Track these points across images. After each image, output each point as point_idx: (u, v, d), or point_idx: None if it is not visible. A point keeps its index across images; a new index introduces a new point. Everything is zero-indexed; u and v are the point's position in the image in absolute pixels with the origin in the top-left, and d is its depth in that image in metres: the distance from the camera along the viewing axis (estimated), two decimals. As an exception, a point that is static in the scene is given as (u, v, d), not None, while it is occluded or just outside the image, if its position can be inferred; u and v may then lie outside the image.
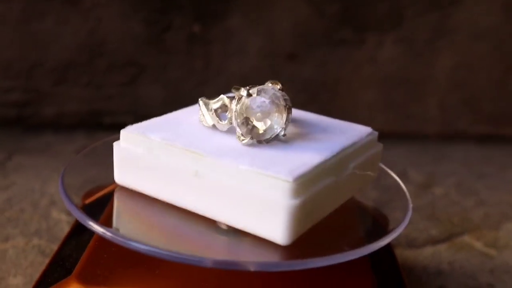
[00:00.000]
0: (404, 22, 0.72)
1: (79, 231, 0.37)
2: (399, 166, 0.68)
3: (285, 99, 0.31)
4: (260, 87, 0.31)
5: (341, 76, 0.73)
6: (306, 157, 0.30)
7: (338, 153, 0.31)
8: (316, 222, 0.30)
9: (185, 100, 0.39)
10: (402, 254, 0.48)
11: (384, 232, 0.36)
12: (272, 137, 0.31)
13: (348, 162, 0.32)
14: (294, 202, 0.27)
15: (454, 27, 0.73)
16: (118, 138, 0.33)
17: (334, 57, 0.72)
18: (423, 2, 0.71)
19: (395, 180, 0.40)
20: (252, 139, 0.31)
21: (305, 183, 0.28)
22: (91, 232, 0.35)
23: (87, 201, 0.36)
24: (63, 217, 0.49)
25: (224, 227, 0.32)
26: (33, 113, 0.69)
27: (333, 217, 0.35)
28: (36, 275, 0.40)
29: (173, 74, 0.70)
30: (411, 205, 0.34)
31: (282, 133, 0.31)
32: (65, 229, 0.47)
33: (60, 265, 0.33)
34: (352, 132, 0.34)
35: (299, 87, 0.72)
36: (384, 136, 0.75)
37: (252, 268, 0.27)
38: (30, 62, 0.67)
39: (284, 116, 0.31)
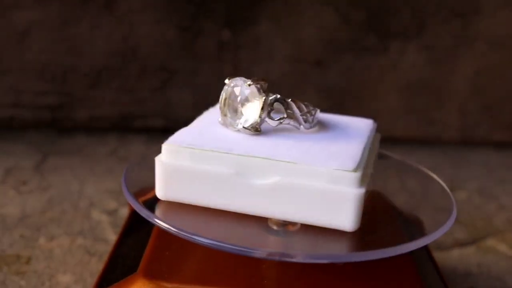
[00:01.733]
0: (427, 30, 0.73)
1: (130, 231, 0.39)
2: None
3: (258, 87, 0.33)
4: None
5: (365, 83, 0.75)
6: (349, 148, 0.32)
7: (367, 142, 0.34)
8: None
9: (214, 104, 0.40)
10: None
11: (422, 233, 0.38)
12: (257, 122, 0.33)
13: (370, 150, 0.35)
14: (360, 190, 0.30)
15: (475, 35, 0.74)
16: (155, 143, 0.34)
17: (359, 64, 0.74)
18: (445, 10, 0.73)
19: (430, 182, 0.42)
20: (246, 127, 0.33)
21: (363, 172, 0.31)
22: (146, 230, 0.37)
23: (141, 199, 0.38)
24: (104, 217, 0.51)
25: (275, 227, 0.33)
26: (66, 116, 0.71)
27: (371, 218, 0.37)
28: (86, 273, 0.42)
29: (203, 79, 0.71)
30: (455, 205, 0.36)
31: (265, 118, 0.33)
32: (107, 229, 0.49)
33: (120, 263, 0.34)
34: (360, 124, 0.37)
35: (325, 92, 0.74)
36: (405, 141, 0.76)
37: (303, 260, 0.29)
38: (64, 66, 0.69)
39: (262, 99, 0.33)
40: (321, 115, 0.38)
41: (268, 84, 0.34)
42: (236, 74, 0.71)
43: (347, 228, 0.30)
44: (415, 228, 0.40)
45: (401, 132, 0.77)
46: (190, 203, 0.32)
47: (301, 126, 0.34)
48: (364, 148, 0.33)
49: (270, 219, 0.34)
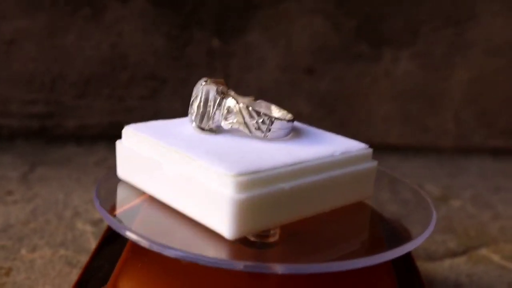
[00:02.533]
0: (420, 37, 0.73)
1: (108, 242, 0.38)
2: (415, 179, 0.68)
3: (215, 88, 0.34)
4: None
5: (358, 90, 0.74)
6: (268, 157, 0.31)
7: (305, 160, 0.32)
8: (279, 224, 0.32)
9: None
10: (422, 266, 0.48)
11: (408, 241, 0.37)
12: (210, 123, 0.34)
13: (319, 172, 0.33)
14: (238, 196, 0.28)
15: (469, 42, 0.74)
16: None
17: (351, 72, 0.73)
18: (439, 17, 0.72)
19: (414, 193, 0.41)
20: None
21: (255, 181, 0.29)
22: (121, 243, 0.36)
23: (116, 212, 0.37)
24: (88, 228, 0.50)
25: (252, 238, 0.33)
26: (55, 125, 0.70)
27: (352, 225, 0.37)
28: (65, 285, 0.41)
29: (193, 87, 0.70)
30: (434, 212, 0.35)
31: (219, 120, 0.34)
32: (91, 239, 0.48)
33: (92, 275, 0.34)
34: (339, 145, 0.35)
35: (316, 101, 0.73)
36: (400, 149, 0.76)
37: (281, 271, 0.28)
38: (53, 75, 0.68)
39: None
40: (317, 131, 0.37)
41: (225, 86, 0.34)
42: (227, 82, 0.71)
43: (225, 235, 0.29)
44: (400, 238, 0.39)
45: (395, 139, 0.76)
46: (135, 186, 0.35)
47: (252, 133, 0.34)
48: (288, 163, 0.31)
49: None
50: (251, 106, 0.33)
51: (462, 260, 0.50)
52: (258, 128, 0.34)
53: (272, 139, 0.34)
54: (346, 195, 0.35)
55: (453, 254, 0.51)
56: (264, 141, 0.34)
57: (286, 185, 0.31)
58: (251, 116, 0.34)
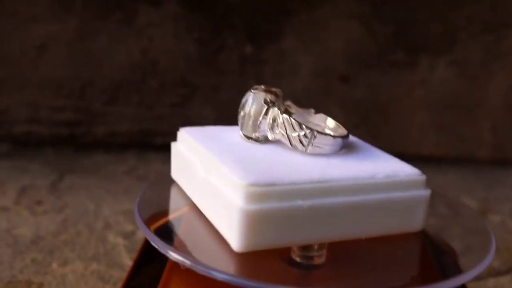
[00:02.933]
0: (458, 44, 0.71)
1: (146, 259, 0.37)
2: (452, 191, 0.66)
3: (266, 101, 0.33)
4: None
5: (393, 98, 0.72)
6: (294, 171, 0.29)
7: (336, 179, 0.30)
8: (299, 244, 0.30)
9: (236, 121, 0.38)
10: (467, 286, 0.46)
11: (455, 265, 0.35)
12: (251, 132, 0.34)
13: (351, 193, 0.30)
14: (248, 207, 0.27)
15: (508, 50, 0.72)
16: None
17: (386, 79, 0.71)
18: (476, 24, 0.70)
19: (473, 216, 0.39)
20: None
21: (268, 193, 0.28)
22: (161, 260, 0.35)
23: (153, 226, 0.36)
24: (120, 240, 0.49)
25: (298, 259, 0.31)
26: (84, 133, 0.69)
27: (405, 252, 0.35)
28: (98, 303, 0.40)
29: (225, 94, 0.69)
30: (494, 241, 0.33)
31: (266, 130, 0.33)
32: (123, 253, 0.47)
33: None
34: (384, 167, 0.32)
35: (350, 108, 0.72)
36: (435, 159, 0.74)
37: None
38: (82, 81, 0.67)
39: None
40: (373, 150, 0.35)
41: (275, 95, 0.33)
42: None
43: (233, 246, 0.28)
44: (448, 260, 0.37)
45: (431, 150, 0.74)
46: (181, 187, 0.36)
47: (292, 146, 0.32)
48: (314, 179, 0.29)
49: (294, 251, 0.32)
50: (296, 118, 0.32)
51: (506, 280, 0.48)
52: (300, 142, 0.32)
53: (316, 154, 0.32)
54: (387, 223, 0.32)
55: (497, 273, 0.49)
56: (306, 155, 0.32)
57: (305, 203, 0.29)
58: (293, 129, 0.32)
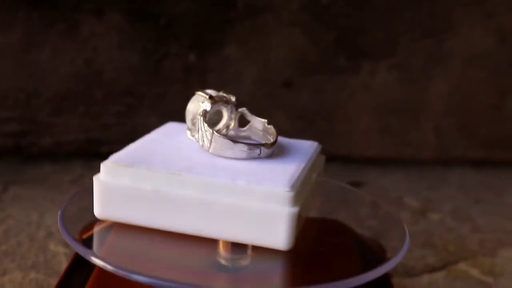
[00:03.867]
0: (398, 49, 0.73)
1: (77, 266, 0.37)
2: (395, 192, 0.68)
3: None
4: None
5: (337, 103, 0.74)
6: (287, 170, 0.33)
7: (306, 166, 0.35)
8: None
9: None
10: (400, 283, 0.48)
11: (382, 261, 0.37)
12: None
13: (312, 173, 0.36)
14: (294, 209, 0.30)
15: (448, 54, 0.74)
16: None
17: (330, 85, 0.73)
18: (417, 29, 0.72)
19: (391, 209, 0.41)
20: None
21: (298, 192, 0.31)
22: (90, 268, 0.35)
23: (85, 235, 0.37)
24: (61, 249, 0.49)
25: (223, 262, 0.32)
26: (30, 143, 0.69)
27: (331, 246, 0.37)
28: (34, 310, 0.40)
29: (170, 103, 0.70)
30: (408, 235, 0.35)
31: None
32: (63, 261, 0.47)
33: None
34: (303, 146, 0.38)
35: (295, 114, 0.73)
36: (380, 162, 0.75)
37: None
38: (27, 92, 0.67)
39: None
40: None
41: (227, 103, 0.37)
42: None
43: (282, 247, 0.31)
44: (376, 256, 0.38)
45: (376, 152, 0.76)
46: (127, 222, 0.33)
47: (201, 145, 0.35)
48: (304, 169, 0.34)
49: (219, 253, 0.33)
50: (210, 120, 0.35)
51: (440, 276, 0.49)
52: (203, 140, 0.35)
53: (222, 156, 0.35)
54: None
55: (432, 269, 0.50)
56: (216, 157, 0.35)
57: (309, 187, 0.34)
58: (201, 128, 0.35)
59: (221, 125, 0.37)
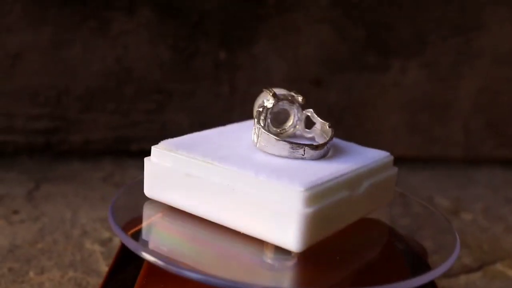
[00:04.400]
0: (428, 47, 0.72)
1: (122, 265, 0.37)
2: (425, 191, 0.67)
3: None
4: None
5: (366, 101, 0.73)
6: (321, 171, 0.32)
7: (351, 171, 0.34)
8: (332, 233, 0.33)
9: (211, 126, 0.39)
10: (439, 284, 0.47)
11: (425, 262, 0.36)
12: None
13: (361, 181, 0.34)
14: (307, 210, 0.29)
15: (477, 52, 0.73)
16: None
17: (359, 82, 0.72)
18: (446, 27, 0.72)
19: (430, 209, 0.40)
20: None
21: (318, 194, 0.30)
22: (136, 266, 0.35)
23: (131, 231, 0.36)
24: (97, 247, 0.49)
25: (269, 260, 0.32)
26: (60, 141, 0.69)
27: (372, 249, 0.36)
28: (75, 310, 0.40)
29: (199, 100, 0.70)
30: (458, 241, 0.34)
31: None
32: (100, 260, 0.47)
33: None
34: (368, 155, 0.37)
35: (324, 112, 0.72)
36: (408, 160, 0.75)
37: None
38: (58, 89, 0.67)
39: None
40: (342, 143, 0.39)
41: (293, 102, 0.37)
42: (234, 94, 0.70)
43: (292, 248, 0.30)
44: (418, 258, 0.38)
45: (404, 150, 0.76)
46: (167, 203, 0.35)
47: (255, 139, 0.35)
48: (339, 175, 0.33)
49: (266, 252, 0.32)
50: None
51: (477, 276, 0.49)
52: (254, 135, 0.35)
53: (265, 152, 0.35)
54: (378, 199, 0.37)
55: (468, 270, 0.50)
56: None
57: (343, 194, 0.32)
58: (256, 123, 0.35)
59: (288, 124, 0.37)
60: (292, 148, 0.34)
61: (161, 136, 0.38)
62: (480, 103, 0.75)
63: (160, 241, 0.34)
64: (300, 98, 0.37)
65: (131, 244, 0.30)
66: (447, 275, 0.49)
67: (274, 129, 0.36)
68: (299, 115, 0.37)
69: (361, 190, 0.34)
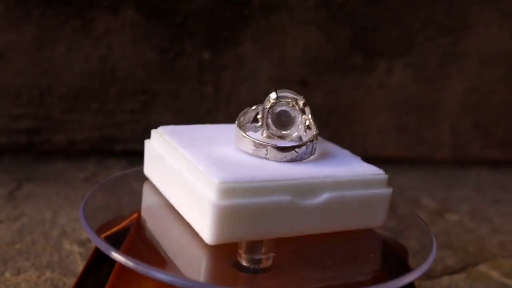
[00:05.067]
0: (415, 48, 0.72)
1: (94, 266, 0.37)
2: (412, 192, 0.67)
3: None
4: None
5: (353, 102, 0.73)
6: (263, 171, 0.31)
7: (308, 178, 0.32)
8: (269, 237, 0.32)
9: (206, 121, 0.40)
10: (421, 285, 0.47)
11: (405, 264, 0.36)
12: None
13: (320, 191, 0.32)
14: (221, 203, 0.29)
15: (464, 52, 0.73)
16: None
17: (346, 83, 0.72)
18: (433, 27, 0.71)
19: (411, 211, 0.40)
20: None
21: (237, 190, 0.29)
22: (108, 267, 0.35)
23: (106, 233, 0.36)
24: (75, 248, 0.49)
25: (244, 263, 0.32)
26: (43, 140, 0.69)
27: (350, 247, 0.36)
28: (50, 310, 0.40)
29: (184, 100, 0.69)
30: (435, 243, 0.34)
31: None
32: (78, 260, 0.46)
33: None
34: (354, 167, 0.34)
35: (311, 113, 0.72)
36: (395, 161, 0.75)
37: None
38: (41, 89, 0.67)
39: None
40: (338, 150, 0.38)
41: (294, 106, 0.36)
42: (219, 95, 0.70)
43: (206, 239, 0.30)
44: (399, 260, 0.38)
45: (391, 152, 0.75)
46: (153, 183, 0.38)
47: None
48: (282, 178, 0.31)
49: (240, 254, 0.32)
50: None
51: (460, 278, 0.49)
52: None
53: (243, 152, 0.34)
54: (353, 220, 0.34)
55: (452, 271, 0.50)
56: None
57: (273, 198, 0.30)
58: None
59: (290, 128, 0.36)
60: (255, 146, 0.33)
61: (145, 136, 0.39)
62: (467, 103, 0.75)
63: (133, 241, 0.34)
64: (301, 102, 0.35)
65: (101, 245, 0.30)
66: (430, 276, 0.48)
67: (275, 129, 0.35)
68: (300, 118, 0.36)
69: (318, 201, 0.32)
